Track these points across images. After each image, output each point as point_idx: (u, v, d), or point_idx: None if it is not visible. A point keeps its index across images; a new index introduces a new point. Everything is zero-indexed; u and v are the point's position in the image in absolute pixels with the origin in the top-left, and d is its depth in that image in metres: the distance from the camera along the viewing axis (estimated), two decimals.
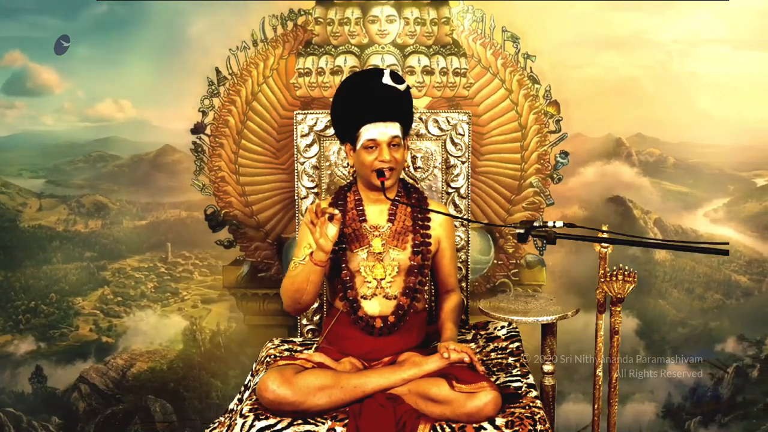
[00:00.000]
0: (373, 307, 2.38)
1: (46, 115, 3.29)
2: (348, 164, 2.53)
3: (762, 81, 3.21)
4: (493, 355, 2.56)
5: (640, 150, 3.32)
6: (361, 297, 2.39)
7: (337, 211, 2.24)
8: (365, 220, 2.44)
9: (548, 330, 2.53)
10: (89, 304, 3.36)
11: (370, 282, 2.39)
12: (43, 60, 3.23)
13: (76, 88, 3.26)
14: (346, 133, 2.40)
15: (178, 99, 3.24)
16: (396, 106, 2.36)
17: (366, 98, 2.34)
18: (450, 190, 2.80)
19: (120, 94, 3.25)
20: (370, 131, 2.33)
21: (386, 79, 2.33)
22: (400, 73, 3.16)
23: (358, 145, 2.35)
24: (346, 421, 2.10)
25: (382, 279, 2.39)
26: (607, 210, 3.31)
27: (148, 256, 3.36)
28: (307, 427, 2.08)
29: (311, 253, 2.27)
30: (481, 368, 2.20)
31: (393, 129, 2.34)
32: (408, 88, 2.39)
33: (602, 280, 2.29)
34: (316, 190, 2.80)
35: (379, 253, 2.40)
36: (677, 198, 3.34)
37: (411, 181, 2.76)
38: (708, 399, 3.38)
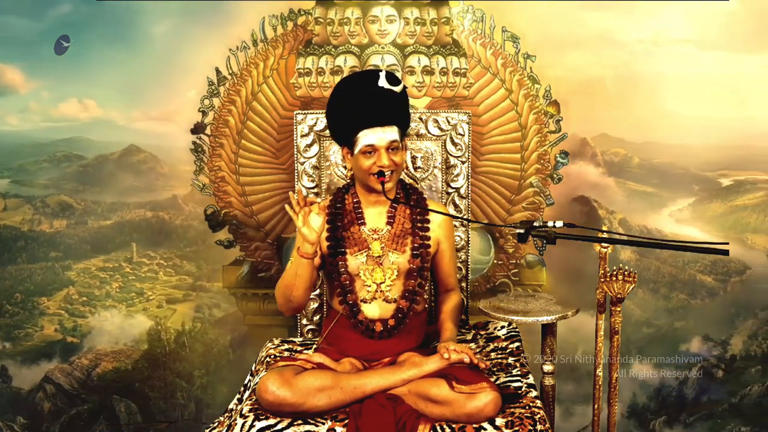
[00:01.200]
0: (373, 310, 2.38)
1: (11, 115, 3.30)
2: (346, 166, 2.52)
3: (727, 81, 3.21)
4: (493, 355, 2.56)
5: (605, 150, 3.32)
6: (361, 301, 2.38)
7: (319, 200, 2.23)
8: (364, 223, 2.43)
9: (548, 330, 2.53)
10: (54, 304, 3.37)
11: (369, 286, 2.38)
12: (8, 60, 3.24)
13: (41, 88, 3.27)
14: (343, 138, 2.38)
15: (145, 98, 3.25)
16: (393, 109, 2.32)
17: (362, 103, 2.30)
18: (450, 190, 2.80)
19: (85, 94, 3.26)
20: (368, 137, 2.30)
21: (382, 82, 2.29)
22: (400, 73, 3.17)
23: (356, 150, 2.32)
24: (346, 421, 2.10)
25: (381, 283, 2.38)
26: (573, 210, 3.32)
27: (113, 256, 3.37)
28: (307, 427, 2.08)
29: (298, 247, 2.26)
30: (483, 365, 2.20)
31: (391, 133, 2.31)
32: (405, 88, 2.36)
33: (602, 280, 2.29)
34: (316, 190, 2.79)
35: (379, 256, 2.39)
36: (642, 198, 3.35)
37: (411, 181, 2.76)
38: (673, 399, 3.38)
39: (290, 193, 2.24)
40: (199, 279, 3.37)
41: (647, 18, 3.19)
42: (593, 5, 3.17)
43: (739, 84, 3.21)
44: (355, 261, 2.38)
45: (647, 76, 3.21)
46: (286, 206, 2.23)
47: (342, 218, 2.42)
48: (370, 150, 2.31)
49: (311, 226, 2.22)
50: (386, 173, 2.32)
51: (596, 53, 3.20)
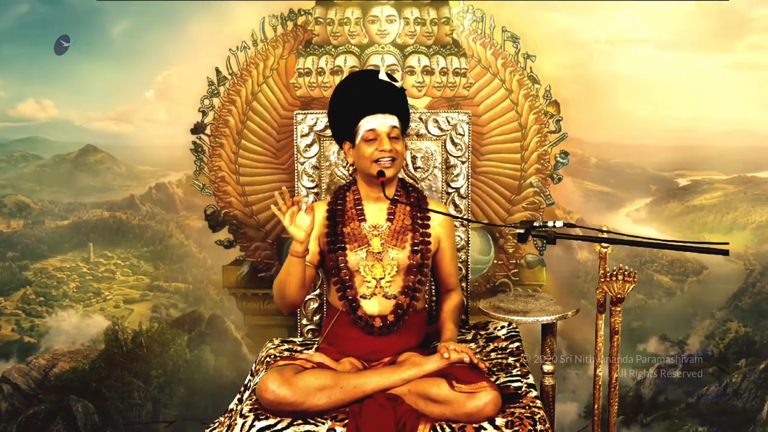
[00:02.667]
0: (373, 306, 2.38)
1: None
2: (348, 164, 2.53)
3: (684, 81, 3.21)
4: (493, 355, 2.56)
5: (563, 150, 3.31)
6: (361, 296, 2.39)
7: (307, 200, 2.25)
8: (364, 220, 2.44)
9: (548, 330, 2.54)
10: (11, 304, 3.37)
11: (369, 281, 2.39)
12: None
13: None
14: (345, 130, 2.42)
15: (103, 98, 3.26)
16: (393, 100, 2.39)
17: (364, 92, 2.37)
18: (450, 190, 2.80)
19: (42, 94, 3.26)
20: (369, 122, 2.35)
21: (382, 75, 2.38)
22: (399, 73, 3.17)
23: (358, 139, 2.37)
24: (346, 421, 2.10)
25: (381, 278, 2.39)
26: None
27: (70, 256, 3.37)
28: (307, 427, 2.08)
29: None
30: (483, 366, 2.20)
31: (392, 120, 2.37)
32: (403, 89, 2.44)
33: (602, 280, 2.29)
34: (316, 190, 2.79)
35: (379, 252, 2.40)
36: (599, 198, 3.35)
37: (411, 181, 2.76)
38: (630, 399, 3.38)
39: (276, 193, 2.25)
40: (156, 279, 3.38)
41: (604, 18, 3.19)
42: (551, 5, 3.17)
43: (696, 84, 3.22)
44: (355, 257, 2.39)
45: (604, 77, 3.21)
46: (272, 207, 2.24)
47: (342, 214, 2.44)
48: (372, 136, 2.35)
49: (299, 224, 2.23)
50: (386, 162, 2.34)
51: (554, 54, 3.20)
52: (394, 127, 2.37)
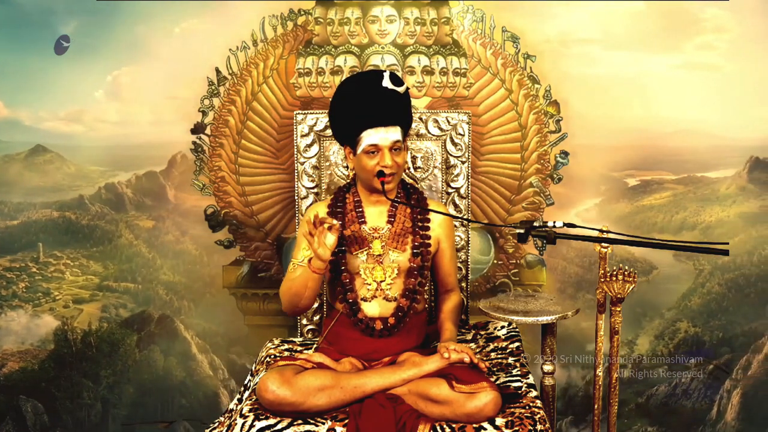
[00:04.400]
0: (373, 309, 2.38)
1: None
2: (348, 166, 2.52)
3: (634, 81, 3.21)
4: (493, 355, 2.56)
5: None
6: (361, 299, 2.38)
7: (335, 222, 2.22)
8: (364, 222, 2.44)
9: (548, 330, 2.54)
10: None
11: (369, 284, 2.38)
12: None
13: None
14: (346, 137, 2.39)
15: (52, 98, 3.26)
16: (396, 109, 2.33)
17: (366, 103, 2.30)
18: (450, 190, 2.80)
19: None
20: (372, 137, 2.30)
21: (386, 83, 2.29)
22: (400, 73, 3.17)
23: (359, 150, 2.33)
24: (346, 421, 2.10)
25: (381, 281, 2.38)
26: None
27: (19, 256, 3.36)
28: (307, 427, 2.08)
29: (309, 261, 2.26)
30: (483, 366, 2.20)
31: (394, 134, 2.32)
32: (407, 90, 2.37)
33: (602, 280, 2.29)
34: (316, 190, 2.79)
35: (379, 255, 2.40)
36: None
37: (411, 181, 2.76)
38: (579, 399, 3.38)
39: (306, 221, 2.21)
40: (105, 279, 3.37)
41: (553, 18, 3.18)
42: (500, 5, 3.17)
43: (645, 84, 3.21)
44: (355, 259, 2.39)
45: (553, 77, 3.20)
46: (304, 234, 2.21)
47: (343, 217, 2.43)
48: (374, 150, 2.31)
49: (325, 245, 2.22)
50: (387, 177, 2.32)
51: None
52: (397, 140, 2.32)
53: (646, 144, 3.27)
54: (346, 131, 2.37)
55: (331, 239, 2.23)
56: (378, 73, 2.33)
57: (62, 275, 3.36)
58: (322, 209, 2.46)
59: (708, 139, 3.27)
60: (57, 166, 3.31)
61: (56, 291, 3.37)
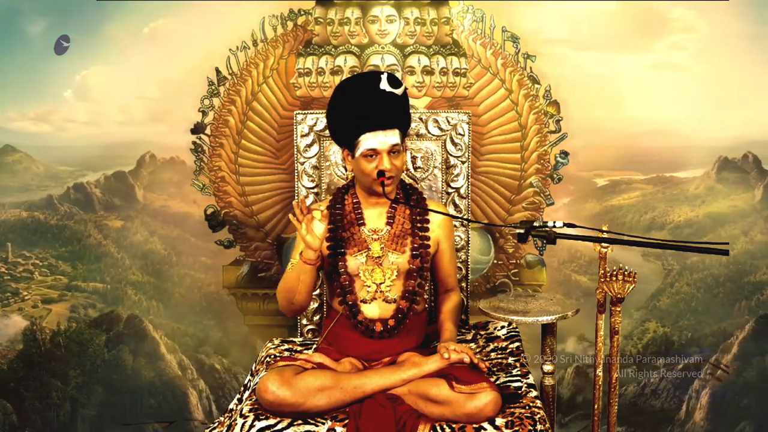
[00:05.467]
0: (373, 310, 2.38)
1: None
2: (346, 167, 2.51)
3: (603, 81, 3.20)
4: (493, 355, 2.56)
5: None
6: (361, 301, 2.38)
7: (322, 208, 2.23)
8: (363, 224, 2.43)
9: (548, 330, 2.54)
10: None
11: (369, 286, 2.38)
12: None
13: None
14: (344, 140, 2.37)
15: (21, 98, 3.27)
16: (395, 111, 2.31)
17: (364, 106, 2.28)
18: (450, 190, 2.80)
19: None
20: (370, 141, 2.28)
21: (384, 85, 2.27)
22: (399, 73, 3.17)
23: (357, 153, 2.31)
24: (346, 421, 2.10)
25: (381, 283, 2.38)
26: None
27: None
28: (307, 427, 2.08)
29: (301, 252, 2.27)
30: (483, 366, 2.20)
31: (393, 137, 2.30)
32: (405, 90, 2.35)
33: (602, 280, 2.29)
34: (316, 190, 2.79)
35: (378, 257, 2.39)
36: None
37: (411, 181, 2.76)
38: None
39: (294, 203, 2.24)
40: (74, 279, 3.37)
41: (521, 19, 3.18)
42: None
43: (615, 84, 3.21)
44: (354, 261, 2.38)
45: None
46: (290, 216, 2.23)
47: (342, 219, 2.42)
48: (372, 153, 2.30)
49: (314, 233, 2.22)
50: (386, 180, 2.31)
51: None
52: (395, 144, 2.30)
53: (615, 144, 3.27)
54: (343, 134, 2.36)
55: (320, 228, 2.23)
56: (375, 75, 2.30)
57: (31, 275, 3.36)
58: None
59: (677, 139, 3.26)
60: (26, 166, 3.31)
61: (25, 291, 3.36)
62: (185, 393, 3.40)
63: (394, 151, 2.31)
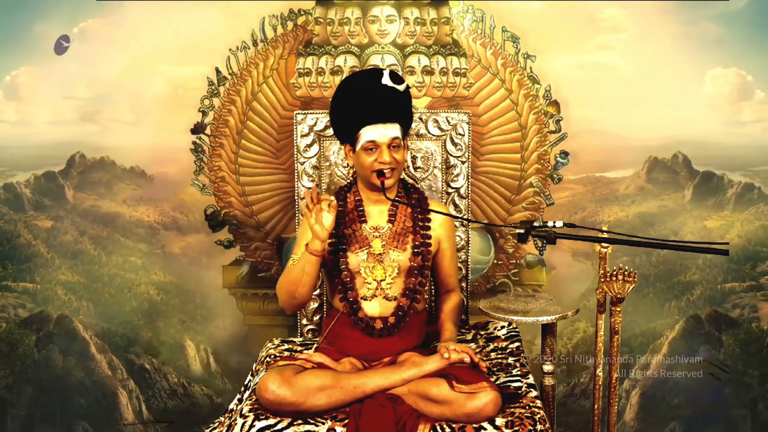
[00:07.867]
0: (373, 308, 2.38)
1: None
2: (348, 164, 2.52)
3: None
4: (493, 355, 2.56)
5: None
6: (361, 298, 2.38)
7: (332, 198, 2.25)
8: (365, 221, 2.44)
9: (548, 330, 2.54)
10: None
11: (370, 283, 2.39)
12: None
13: None
14: (345, 135, 2.40)
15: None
16: (395, 106, 2.35)
17: (365, 99, 2.32)
18: (450, 190, 2.80)
19: None
20: (370, 133, 2.32)
21: (386, 80, 2.31)
22: (400, 73, 3.16)
23: (358, 147, 2.35)
24: (346, 421, 2.10)
25: (382, 280, 2.39)
26: None
27: None
28: (307, 427, 2.08)
29: (307, 244, 2.27)
30: (483, 366, 2.20)
31: (393, 130, 2.34)
32: (407, 88, 2.39)
33: (602, 280, 2.29)
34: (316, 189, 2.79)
35: (379, 254, 2.40)
36: None
37: (411, 181, 2.77)
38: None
39: (305, 191, 2.25)
40: (4, 279, 3.36)
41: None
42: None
43: (544, 84, 3.20)
44: (356, 258, 2.39)
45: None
46: (301, 204, 2.24)
47: (344, 216, 2.43)
48: (372, 146, 2.33)
49: (323, 223, 2.23)
50: (386, 171, 2.33)
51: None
52: (395, 137, 2.34)
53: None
54: (345, 128, 2.39)
55: (328, 218, 2.24)
56: (378, 71, 2.35)
57: None
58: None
59: (607, 139, 3.25)
60: None
61: None
62: (115, 393, 3.40)
63: (394, 145, 2.33)
